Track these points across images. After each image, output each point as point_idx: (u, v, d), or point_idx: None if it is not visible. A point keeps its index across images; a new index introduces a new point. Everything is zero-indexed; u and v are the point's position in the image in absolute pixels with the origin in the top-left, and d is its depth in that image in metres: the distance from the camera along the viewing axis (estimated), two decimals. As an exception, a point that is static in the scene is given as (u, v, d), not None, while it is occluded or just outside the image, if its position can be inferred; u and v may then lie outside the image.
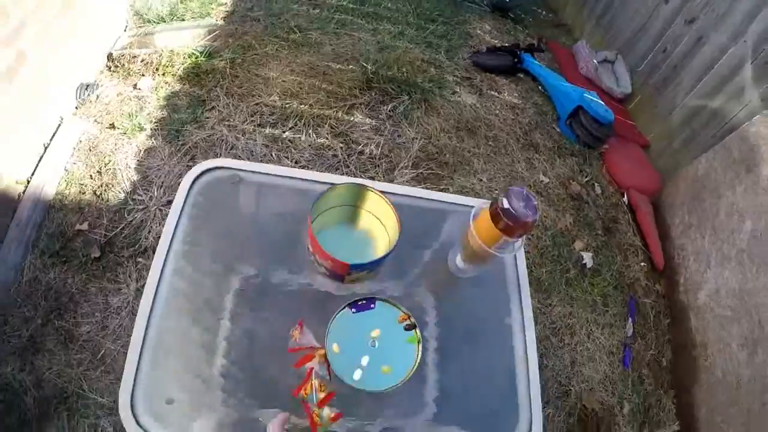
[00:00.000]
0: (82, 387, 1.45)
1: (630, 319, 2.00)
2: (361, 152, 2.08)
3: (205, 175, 1.00)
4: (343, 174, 1.97)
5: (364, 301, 0.83)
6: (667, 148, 2.43)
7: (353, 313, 0.82)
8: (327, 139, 2.08)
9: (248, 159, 1.90)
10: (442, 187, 2.06)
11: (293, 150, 2.00)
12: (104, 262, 1.63)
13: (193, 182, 0.98)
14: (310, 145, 2.04)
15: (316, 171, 1.93)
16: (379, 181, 1.97)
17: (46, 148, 1.79)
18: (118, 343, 1.49)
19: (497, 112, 2.50)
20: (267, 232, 0.96)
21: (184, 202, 0.95)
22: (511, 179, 2.22)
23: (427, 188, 2.00)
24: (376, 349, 0.81)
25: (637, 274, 2.14)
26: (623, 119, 2.57)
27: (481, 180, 2.17)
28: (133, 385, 0.77)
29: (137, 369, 0.78)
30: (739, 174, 1.89)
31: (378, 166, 2.06)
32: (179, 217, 0.94)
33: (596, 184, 2.37)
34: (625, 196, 2.36)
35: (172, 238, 0.91)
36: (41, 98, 1.76)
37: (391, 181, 2.00)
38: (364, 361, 0.79)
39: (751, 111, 1.95)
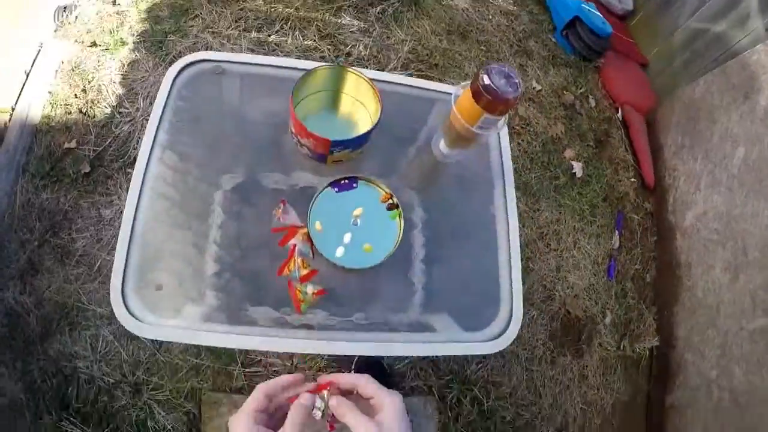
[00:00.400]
0: (81, 300, 1.50)
1: (617, 232, 2.03)
2: (349, 53, 2.04)
3: (188, 68, 0.98)
4: None
5: (347, 181, 0.84)
6: (666, 69, 2.37)
7: (336, 192, 0.83)
8: (314, 41, 2.02)
9: (234, 63, 1.89)
10: None
11: (279, 53, 1.96)
12: (95, 177, 1.64)
13: (177, 76, 0.97)
14: (296, 48, 1.98)
15: None
16: None
17: (27, 74, 1.74)
18: (113, 253, 1.52)
19: (491, 17, 2.41)
20: (253, 123, 0.95)
21: (168, 95, 0.94)
22: None
23: None
24: (359, 227, 0.82)
25: (627, 189, 2.15)
26: (623, 36, 2.49)
27: None
28: (124, 274, 0.79)
29: (127, 257, 0.80)
30: (736, 100, 1.86)
31: (366, 67, 2.01)
32: (163, 110, 0.93)
33: (590, 97, 2.33)
34: (620, 111, 2.33)
35: (157, 129, 0.91)
36: (19, 26, 1.70)
37: None
38: (347, 238, 0.81)
39: (754, 39, 1.89)
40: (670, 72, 2.34)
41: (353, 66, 1.91)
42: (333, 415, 0.53)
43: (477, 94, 0.78)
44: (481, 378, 1.64)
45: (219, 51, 1.85)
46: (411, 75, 2.04)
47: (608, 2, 2.56)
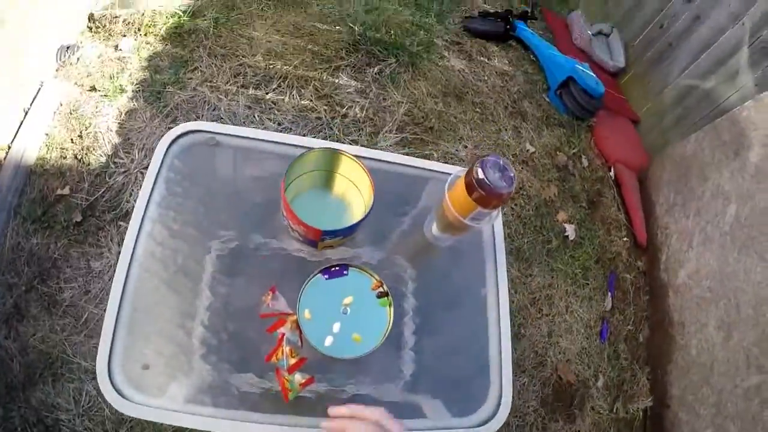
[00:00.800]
0: (66, 352, 1.47)
1: (609, 294, 2.02)
2: (345, 115, 2.05)
3: (181, 138, 0.98)
4: (326, 137, 1.94)
5: (337, 268, 0.83)
6: (657, 125, 2.41)
7: (326, 279, 0.82)
8: (311, 101, 2.04)
9: (231, 120, 1.88)
10: (426, 153, 2.04)
11: (276, 112, 1.97)
12: (86, 227, 1.62)
13: (170, 145, 0.97)
14: (293, 107, 2.00)
15: (299, 133, 1.90)
16: (363, 144, 1.95)
17: (26, 113, 1.74)
18: (101, 307, 1.50)
19: (486, 78, 2.45)
20: (244, 197, 0.96)
21: (160, 166, 0.94)
22: (497, 147, 2.20)
23: (411, 153, 1.97)
24: (348, 316, 0.81)
25: (620, 249, 2.16)
26: (615, 93, 2.54)
27: (466, 147, 2.14)
28: (110, 351, 0.79)
29: (113, 335, 0.80)
30: (727, 157, 1.88)
31: (362, 129, 2.03)
32: (155, 182, 0.93)
33: (583, 157, 2.35)
34: (612, 170, 2.36)
35: (147, 203, 0.91)
36: (21, 62, 1.71)
37: (374, 144, 1.98)
38: (336, 327, 0.80)
39: (743, 95, 1.93)
40: (661, 129, 2.38)
41: (348, 128, 1.96)
42: None
43: (470, 187, 0.77)
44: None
45: (216, 105, 1.89)
46: (406, 138, 2.06)
47: (600, 60, 2.63)
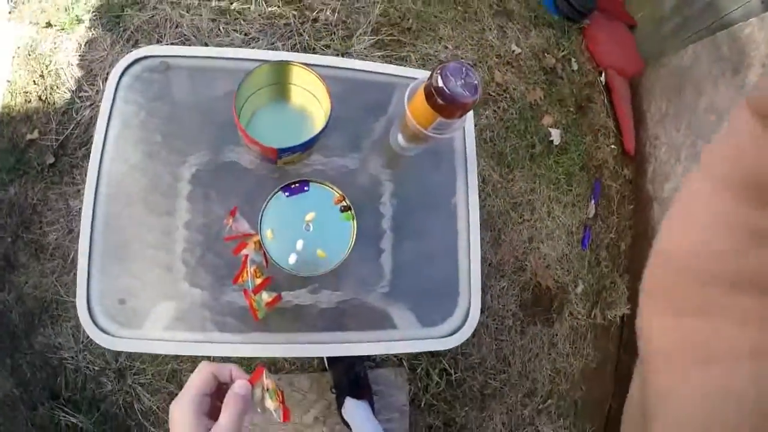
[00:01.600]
0: (59, 293, 1.52)
1: (593, 200, 2.01)
2: (316, 19, 1.91)
3: (132, 67, 0.94)
4: (296, 44, 1.84)
5: (297, 184, 0.82)
6: (655, 32, 2.26)
7: (287, 196, 0.81)
8: (278, 6, 1.89)
9: (195, 36, 1.77)
10: (404, 55, 1.93)
11: (242, 22, 1.84)
12: (60, 167, 1.61)
13: (121, 77, 0.93)
14: (260, 15, 1.86)
15: (267, 42, 1.80)
16: (336, 49, 1.86)
17: (-17, 63, 1.66)
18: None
19: (469, -28, 2.25)
20: (204, 119, 0.92)
21: (113, 100, 0.91)
22: (480, 47, 2.06)
23: (387, 56, 1.88)
24: (311, 233, 0.81)
25: (606, 157, 2.11)
26: (610, -7, 2.38)
27: (446, 47, 2.01)
28: (87, 290, 0.82)
29: (88, 275, 0.83)
30: (724, 73, 1.77)
31: (334, 33, 1.90)
32: (109, 116, 0.90)
33: (573, 60, 2.21)
34: (603, 75, 2.25)
35: (105, 139, 0.89)
36: None
37: (348, 48, 1.87)
38: (299, 245, 0.80)
39: (747, 11, 1.77)
40: (658, 37, 2.24)
41: (319, 33, 1.84)
42: (284, 401, 0.52)
43: (430, 96, 0.72)
44: (449, 350, 1.65)
45: (178, 22, 1.78)
46: (382, 40, 1.92)
47: (595, -41, 2.43)
